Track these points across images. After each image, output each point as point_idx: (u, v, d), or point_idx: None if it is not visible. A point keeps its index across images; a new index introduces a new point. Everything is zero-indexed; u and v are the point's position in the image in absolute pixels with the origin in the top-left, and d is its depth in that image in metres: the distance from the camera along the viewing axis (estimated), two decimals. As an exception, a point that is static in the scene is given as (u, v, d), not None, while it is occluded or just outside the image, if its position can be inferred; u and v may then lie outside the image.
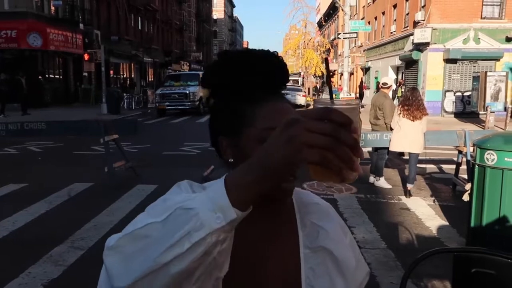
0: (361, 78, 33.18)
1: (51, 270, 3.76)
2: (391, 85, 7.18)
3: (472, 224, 4.04)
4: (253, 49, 0.86)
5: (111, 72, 31.18)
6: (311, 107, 0.61)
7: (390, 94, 8.38)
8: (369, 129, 7.29)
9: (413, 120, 6.09)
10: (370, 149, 7.12)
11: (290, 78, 0.91)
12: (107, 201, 5.85)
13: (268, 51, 0.85)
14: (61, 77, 25.60)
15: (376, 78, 28.57)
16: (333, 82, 41.05)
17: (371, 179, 6.97)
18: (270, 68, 0.82)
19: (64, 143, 10.85)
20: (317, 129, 0.55)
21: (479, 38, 19.49)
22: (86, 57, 23.30)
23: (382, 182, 6.86)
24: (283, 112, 0.79)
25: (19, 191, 6.49)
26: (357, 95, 27.42)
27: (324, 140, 0.55)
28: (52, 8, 23.84)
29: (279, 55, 0.86)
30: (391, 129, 6.64)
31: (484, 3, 19.75)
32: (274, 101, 0.81)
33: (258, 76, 0.80)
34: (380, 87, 7.25)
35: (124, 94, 24.23)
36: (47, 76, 23.48)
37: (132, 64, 36.20)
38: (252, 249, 0.85)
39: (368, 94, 26.28)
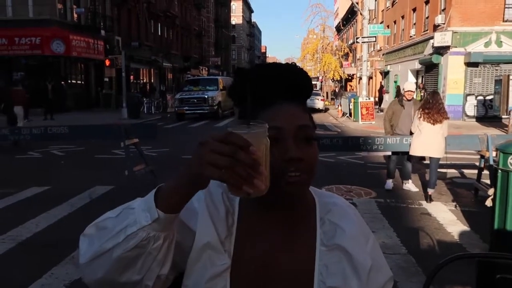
0: (380, 82, 32.85)
1: (73, 271, 3.83)
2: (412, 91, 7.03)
3: (495, 229, 3.96)
4: (273, 63, 0.93)
5: (132, 77, 31.65)
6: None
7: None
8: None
9: (434, 124, 6.00)
10: (389, 153, 7.04)
11: None
12: (127, 204, 5.92)
13: (288, 64, 0.92)
14: (82, 82, 26.13)
15: (395, 82, 28.26)
16: (351, 87, 40.42)
17: (387, 184, 6.88)
18: (285, 83, 0.88)
19: (85, 147, 11.06)
20: (218, 150, 0.65)
21: (501, 41, 19.11)
22: (107, 63, 23.71)
23: (409, 186, 6.87)
24: (288, 112, 0.85)
25: (42, 194, 6.64)
26: (376, 99, 27.16)
27: (223, 160, 0.64)
28: (75, 15, 24.41)
29: (297, 66, 0.93)
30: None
31: (506, 5, 19.36)
32: (279, 105, 0.86)
33: (272, 91, 0.87)
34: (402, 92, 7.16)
35: (144, 99, 24.55)
36: (69, 81, 23.99)
37: (152, 70, 36.69)
38: (265, 244, 0.88)
39: (387, 98, 26.00)
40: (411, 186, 6.87)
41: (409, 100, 6.82)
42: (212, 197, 0.88)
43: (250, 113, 0.74)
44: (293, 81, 0.88)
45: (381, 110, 18.95)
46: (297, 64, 0.99)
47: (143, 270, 0.76)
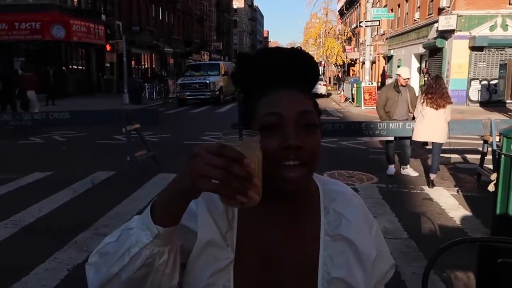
0: (384, 67, 32.59)
1: (75, 256, 3.86)
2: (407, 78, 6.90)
3: (497, 214, 3.94)
4: (276, 48, 0.89)
5: (133, 62, 31.50)
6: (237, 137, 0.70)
7: (416, 84, 8.12)
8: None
9: (437, 109, 5.95)
10: (391, 138, 6.99)
11: None
12: (130, 189, 5.94)
13: (292, 49, 0.88)
14: (83, 67, 26.04)
15: (398, 66, 28.03)
16: (353, 72, 40.08)
17: (389, 169, 6.87)
18: (287, 68, 0.85)
19: (87, 132, 11.06)
20: (212, 163, 0.64)
21: (506, 25, 18.86)
22: (108, 47, 23.58)
23: (409, 171, 6.85)
24: (289, 98, 0.82)
25: (44, 179, 6.66)
26: (379, 84, 26.97)
27: (217, 173, 0.64)
28: (75, 0, 24.19)
29: (302, 51, 0.89)
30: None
31: (512, -12, 19.08)
32: (281, 90, 0.83)
33: (273, 77, 0.85)
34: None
35: (146, 84, 24.47)
36: (70, 67, 23.90)
37: (153, 54, 36.47)
38: (267, 235, 0.87)
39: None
40: (410, 170, 6.86)
41: (403, 86, 6.80)
42: (211, 194, 0.84)
43: (240, 124, 0.72)
44: (296, 67, 0.86)
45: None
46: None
47: (154, 287, 0.76)
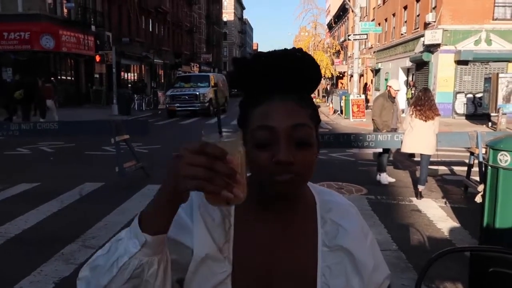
0: (365, 82, 33.30)
1: (62, 269, 3.79)
2: (397, 90, 7.17)
3: (484, 225, 3.98)
4: (271, 52, 0.85)
5: (122, 73, 31.40)
6: (233, 133, 0.72)
7: (402, 97, 8.34)
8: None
9: (426, 121, 6.03)
10: (380, 150, 7.09)
11: None
12: (118, 200, 5.88)
13: (287, 53, 0.83)
14: (72, 78, 25.88)
15: (386, 79, 28.40)
16: (342, 85, 40.49)
17: (384, 177, 7.04)
18: (282, 75, 0.81)
19: (75, 143, 10.95)
20: (194, 162, 0.64)
21: (490, 40, 19.29)
22: (97, 58, 23.52)
23: (383, 177, 7.04)
24: (282, 110, 0.80)
25: (31, 190, 6.56)
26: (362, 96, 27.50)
27: (200, 171, 0.63)
28: (65, 10, 24.14)
29: (299, 54, 0.84)
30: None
31: (496, 4, 19.55)
32: (273, 101, 0.81)
33: (267, 85, 0.82)
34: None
35: (135, 96, 24.38)
36: (59, 77, 23.72)
37: (143, 66, 36.44)
38: (264, 246, 0.86)
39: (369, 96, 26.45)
40: (384, 177, 7.04)
41: (394, 98, 7.05)
42: (206, 206, 0.83)
43: (219, 122, 0.73)
44: (291, 74, 0.81)
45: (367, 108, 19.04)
46: None
47: None
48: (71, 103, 23.59)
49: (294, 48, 0.85)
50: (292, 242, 0.87)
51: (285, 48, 0.84)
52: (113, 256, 0.72)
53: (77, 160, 9.28)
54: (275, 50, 0.84)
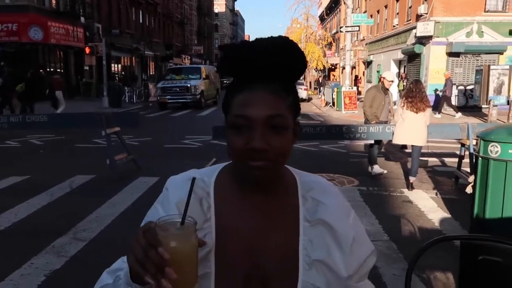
0: (356, 75, 33.42)
1: (53, 261, 3.76)
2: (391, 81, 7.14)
3: (474, 216, 4.02)
4: (256, 40, 0.86)
5: (112, 65, 31.10)
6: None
7: (394, 89, 8.36)
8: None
9: (417, 112, 6.05)
10: (372, 141, 7.10)
11: None
12: (109, 193, 5.84)
13: (270, 41, 0.84)
14: (62, 70, 25.55)
15: (378, 71, 28.48)
16: (334, 77, 40.46)
17: (376, 169, 7.05)
18: (258, 60, 0.83)
19: (65, 136, 10.85)
20: (138, 242, 0.70)
21: (482, 32, 19.38)
22: (87, 50, 23.25)
23: (376, 169, 7.03)
24: (258, 100, 0.82)
25: (21, 183, 6.49)
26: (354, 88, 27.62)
27: (138, 252, 0.70)
28: (53, 1, 23.77)
29: (282, 42, 0.84)
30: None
31: (487, -4, 19.64)
32: (253, 90, 0.83)
33: (248, 73, 0.84)
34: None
35: (125, 88, 24.18)
36: (48, 69, 23.43)
37: (134, 58, 36.12)
38: (247, 222, 0.89)
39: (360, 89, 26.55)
40: (376, 169, 7.05)
41: (387, 89, 7.00)
42: (181, 195, 0.85)
43: (185, 210, 0.76)
44: (273, 62, 0.82)
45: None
46: None
47: None
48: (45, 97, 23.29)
49: (280, 36, 0.85)
50: (274, 220, 0.89)
51: (271, 36, 0.85)
52: None
53: (68, 152, 9.20)
54: (261, 38, 0.86)
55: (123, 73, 33.57)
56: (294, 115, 0.87)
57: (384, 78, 7.05)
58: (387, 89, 7.03)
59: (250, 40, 0.88)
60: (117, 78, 29.61)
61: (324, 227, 0.89)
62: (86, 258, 3.85)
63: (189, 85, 20.66)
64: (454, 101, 19.73)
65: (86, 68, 26.90)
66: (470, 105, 18.82)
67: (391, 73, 7.54)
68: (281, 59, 0.83)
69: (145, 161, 7.71)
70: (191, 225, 0.73)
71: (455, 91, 19.77)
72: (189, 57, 52.12)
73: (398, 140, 6.45)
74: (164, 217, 0.74)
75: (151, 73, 40.36)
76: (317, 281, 0.86)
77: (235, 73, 0.87)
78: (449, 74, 17.27)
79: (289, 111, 0.85)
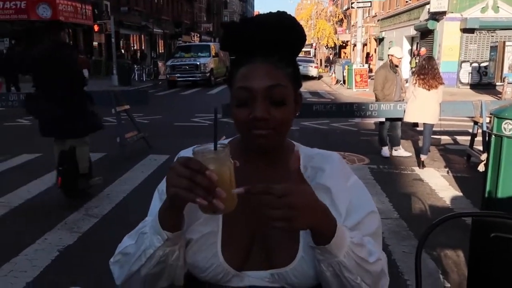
0: (367, 52, 32.87)
1: (66, 237, 3.83)
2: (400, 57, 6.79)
3: (486, 194, 3.98)
4: (257, 17, 0.93)
5: (121, 43, 30.96)
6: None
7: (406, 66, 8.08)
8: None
9: (429, 90, 5.95)
10: (382, 119, 6.98)
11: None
12: (120, 171, 5.89)
13: (271, 16, 0.91)
14: (71, 49, 25.52)
15: (389, 48, 28.01)
16: (344, 54, 39.83)
17: (384, 151, 6.85)
18: (262, 37, 0.89)
19: (76, 114, 10.89)
20: (181, 174, 0.75)
21: (498, 7, 18.84)
22: (96, 28, 23.18)
23: (401, 151, 6.82)
24: (259, 72, 0.88)
25: (33, 161, 6.57)
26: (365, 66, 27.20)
27: (182, 182, 0.75)
28: (61, -22, 23.56)
29: (281, 17, 0.91)
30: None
31: (504, -31, 19.00)
32: (254, 63, 0.89)
33: (249, 47, 0.90)
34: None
35: (135, 66, 24.12)
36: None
37: (142, 36, 35.91)
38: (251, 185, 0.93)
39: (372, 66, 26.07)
40: (401, 151, 6.85)
41: (397, 66, 6.73)
42: None
43: (215, 140, 0.81)
44: (272, 37, 0.88)
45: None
46: None
47: (171, 277, 0.91)
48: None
49: (279, 11, 0.91)
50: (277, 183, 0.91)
51: (270, 12, 0.92)
52: (141, 248, 0.87)
53: (78, 131, 9.24)
54: (261, 14, 0.92)
55: (133, 49, 33.44)
56: (294, 86, 0.93)
57: (392, 55, 6.71)
58: (397, 66, 6.77)
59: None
60: (129, 55, 29.51)
61: (322, 190, 0.92)
62: (98, 234, 3.91)
63: (198, 63, 20.54)
64: (467, 78, 19.38)
65: (95, 45, 26.82)
66: (484, 82, 18.46)
67: (399, 49, 7.21)
68: (278, 34, 0.89)
69: (155, 139, 7.73)
70: (225, 149, 0.79)
71: (468, 68, 19.40)
72: (198, 35, 51.65)
73: (409, 118, 6.36)
74: (198, 147, 0.82)
75: (160, 51, 40.13)
76: None
77: (236, 49, 0.94)
78: (425, 51, 16.64)
79: (289, 81, 0.91)
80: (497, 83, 15.46)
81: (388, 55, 6.94)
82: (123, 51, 29.92)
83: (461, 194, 5.03)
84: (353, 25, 35.11)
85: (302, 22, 43.16)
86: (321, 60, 39.75)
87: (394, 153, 6.86)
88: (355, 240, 0.84)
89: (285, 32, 0.90)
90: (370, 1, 20.07)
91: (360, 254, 0.84)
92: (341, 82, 21.16)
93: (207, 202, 0.74)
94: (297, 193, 0.76)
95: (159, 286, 0.91)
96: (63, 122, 4.67)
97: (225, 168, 0.78)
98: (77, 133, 4.83)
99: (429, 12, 20.19)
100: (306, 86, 19.85)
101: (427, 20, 20.68)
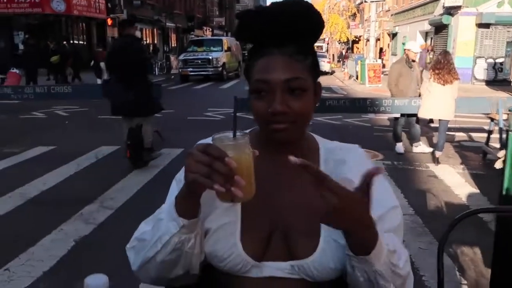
0: (380, 47, 32.51)
1: (82, 228, 3.87)
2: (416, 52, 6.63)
3: (504, 191, 3.92)
4: (271, 7, 0.89)
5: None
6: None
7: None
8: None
9: (444, 85, 5.86)
10: (397, 115, 6.89)
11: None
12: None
13: (285, 5, 0.88)
14: (84, 42, 25.73)
15: (403, 44, 27.69)
16: (357, 49, 39.49)
17: (398, 147, 6.75)
18: (278, 29, 0.86)
19: (89, 107, 10.98)
20: (199, 160, 0.74)
21: (515, 1, 18.50)
22: (109, 21, 23.30)
23: (423, 147, 6.72)
24: (276, 64, 0.87)
25: (48, 153, 6.64)
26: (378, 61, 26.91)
27: (201, 168, 0.74)
28: (75, -28, 23.70)
29: (296, 5, 0.87)
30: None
31: (522, -37, 18.62)
32: (271, 54, 0.87)
33: (265, 39, 0.88)
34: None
35: (147, 60, 24.15)
36: (71, 41, 23.61)
37: (155, 30, 36.01)
38: (272, 179, 0.94)
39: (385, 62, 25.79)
40: (423, 147, 6.71)
41: (414, 61, 6.59)
42: None
43: (235, 126, 0.81)
44: (289, 28, 0.86)
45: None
46: None
47: (186, 265, 0.90)
48: (83, 67, 23.55)
49: (291, 2, 0.88)
50: (298, 179, 0.89)
51: (284, 2, 0.88)
52: (157, 233, 0.86)
53: (92, 124, 9.33)
54: (276, 2, 0.90)
55: (146, 42, 33.52)
56: (313, 77, 0.91)
57: (409, 50, 6.57)
58: (414, 61, 6.60)
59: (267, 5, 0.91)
60: (148, 49, 29.58)
61: (344, 181, 0.88)
62: (113, 225, 3.95)
63: (211, 57, 20.53)
64: (482, 74, 19.09)
65: (109, 39, 26.92)
66: (499, 78, 18.17)
67: (415, 43, 7.11)
68: (295, 23, 0.86)
69: (168, 133, 7.75)
70: (244, 137, 0.79)
71: (483, 64, 19.10)
72: (210, 29, 51.61)
73: (424, 114, 6.28)
74: (217, 134, 0.80)
75: (172, 45, 40.19)
76: (339, 237, 0.85)
77: (252, 40, 0.92)
78: (425, 45, 16.30)
79: (307, 73, 0.89)
80: (513, 80, 15.22)
81: (404, 49, 6.84)
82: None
83: (477, 191, 4.97)
84: (366, 19, 34.79)
85: (314, 17, 42.86)
86: (333, 55, 39.43)
87: (415, 149, 6.72)
88: (390, 247, 0.83)
89: (302, 21, 0.87)
90: (384, -4, 19.84)
91: (394, 260, 0.84)
92: (354, 77, 21.00)
93: (225, 189, 0.73)
94: (353, 202, 0.74)
95: (174, 274, 0.90)
96: (134, 103, 5.38)
97: (245, 156, 0.77)
98: (145, 112, 5.66)
99: (443, 7, 19.89)
100: (318, 81, 19.74)
101: (441, 14, 20.39)
